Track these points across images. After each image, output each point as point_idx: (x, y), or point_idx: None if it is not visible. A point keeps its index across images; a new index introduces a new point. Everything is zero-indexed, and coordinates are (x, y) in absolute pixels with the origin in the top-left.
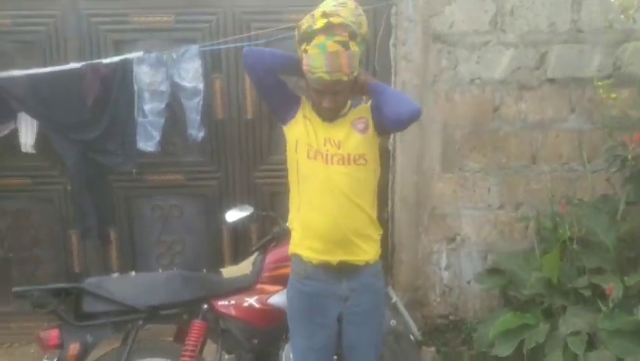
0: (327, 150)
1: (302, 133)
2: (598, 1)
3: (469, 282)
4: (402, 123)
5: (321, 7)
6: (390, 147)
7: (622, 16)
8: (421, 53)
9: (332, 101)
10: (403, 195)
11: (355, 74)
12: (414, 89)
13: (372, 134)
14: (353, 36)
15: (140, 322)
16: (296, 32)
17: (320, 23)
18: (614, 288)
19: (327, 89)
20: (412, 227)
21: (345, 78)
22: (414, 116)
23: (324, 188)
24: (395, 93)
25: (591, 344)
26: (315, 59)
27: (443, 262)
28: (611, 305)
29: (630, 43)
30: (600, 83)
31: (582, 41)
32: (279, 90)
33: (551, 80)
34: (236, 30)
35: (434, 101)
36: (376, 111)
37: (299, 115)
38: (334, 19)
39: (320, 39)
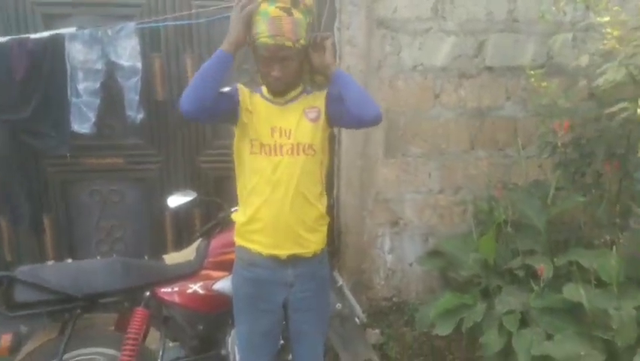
0: (275, 141)
1: (246, 129)
2: None
3: (411, 264)
4: (362, 124)
5: None
6: (336, 132)
7: (553, 8)
8: (365, 38)
9: (280, 69)
10: (348, 179)
11: (302, 42)
12: (359, 74)
13: (323, 124)
14: (295, 3)
15: (78, 311)
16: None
17: None
18: (544, 269)
19: (273, 55)
20: (357, 211)
21: (289, 44)
22: (376, 121)
23: (271, 181)
24: (361, 91)
25: (524, 322)
26: (259, 25)
27: (387, 246)
28: (542, 285)
29: (560, 34)
30: (532, 72)
31: (518, 31)
32: (227, 108)
33: (489, 69)
34: (177, 8)
35: (378, 88)
36: (335, 103)
37: (241, 113)
38: None
39: (263, 7)
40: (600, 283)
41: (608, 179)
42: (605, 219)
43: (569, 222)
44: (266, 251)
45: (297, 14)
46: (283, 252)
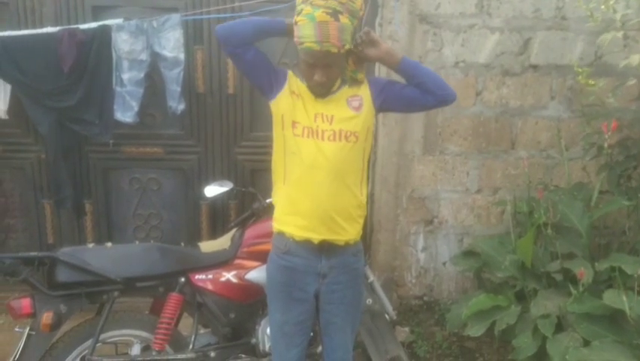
0: (318, 126)
1: (288, 109)
2: None
3: (444, 264)
4: (444, 103)
5: None
6: (373, 126)
7: (603, 7)
8: (407, 33)
9: (323, 74)
10: (383, 176)
11: (347, 47)
12: None
13: (366, 113)
14: (344, 9)
15: (116, 293)
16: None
17: None
18: (584, 273)
19: (318, 61)
20: (391, 208)
21: (335, 50)
22: (455, 99)
23: (312, 165)
24: (435, 73)
25: (560, 326)
26: (304, 28)
27: (420, 244)
28: (581, 290)
29: (610, 33)
30: (580, 70)
31: (566, 29)
32: (260, 64)
33: (534, 67)
34: (220, 1)
35: None
36: (391, 89)
37: (285, 90)
38: None
39: (309, 9)
40: None
41: None
42: None
43: (612, 227)
44: (299, 234)
45: (344, 19)
46: (316, 236)
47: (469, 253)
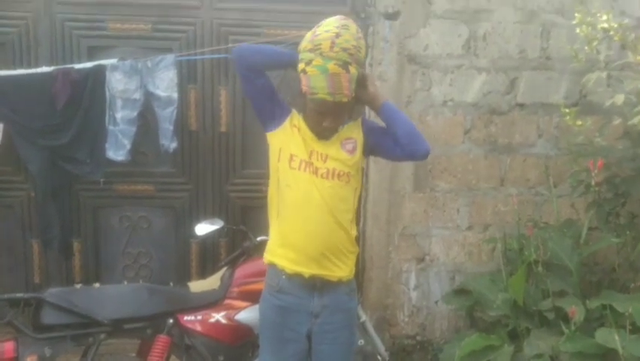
0: (313, 162)
1: (287, 142)
2: (565, 31)
3: (436, 302)
4: (413, 158)
5: (324, 27)
6: (364, 165)
7: (586, 48)
8: (396, 74)
9: (332, 121)
10: (375, 213)
11: (352, 95)
12: None
13: (359, 156)
14: (353, 60)
15: (102, 335)
16: (298, 51)
17: (325, 46)
18: (576, 311)
19: (328, 110)
20: (382, 245)
21: (346, 100)
22: (426, 156)
23: (305, 199)
24: (410, 124)
25: None
26: (317, 80)
27: (412, 282)
28: (573, 328)
29: (594, 73)
30: (567, 111)
31: (550, 68)
32: (268, 93)
33: (521, 105)
34: (214, 41)
35: None
36: (375, 135)
37: (286, 123)
38: (339, 41)
39: (320, 61)
40: (635, 329)
41: None
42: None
43: (602, 264)
44: (290, 267)
45: (353, 69)
46: (307, 270)
47: (460, 292)
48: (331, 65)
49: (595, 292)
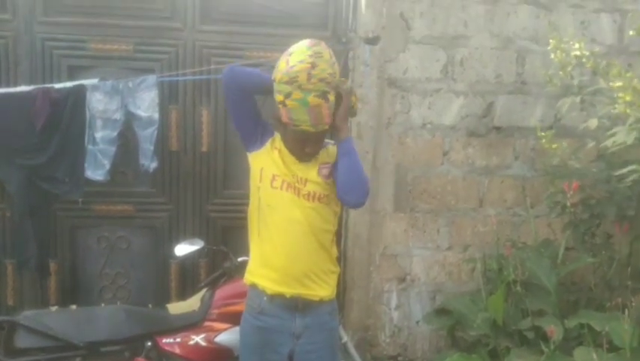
0: (295, 184)
1: (268, 162)
2: (540, 57)
3: (418, 322)
4: (344, 203)
5: (297, 56)
6: None
7: (561, 73)
8: (376, 96)
9: (313, 146)
10: (355, 233)
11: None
12: (369, 130)
13: (334, 181)
14: (330, 87)
15: (78, 359)
16: (273, 80)
17: (302, 78)
18: (555, 330)
19: (310, 138)
20: (363, 265)
21: (326, 127)
22: (356, 207)
23: (287, 219)
24: (357, 175)
25: None
26: (297, 112)
27: (393, 302)
28: (552, 347)
29: (568, 97)
30: (543, 134)
31: (526, 93)
32: (253, 115)
33: (497, 129)
34: (196, 63)
35: (388, 144)
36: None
37: (268, 144)
38: (316, 72)
39: (299, 94)
40: (612, 347)
41: (619, 240)
42: (616, 282)
43: (580, 283)
44: (273, 287)
45: (331, 97)
46: (288, 290)
47: (441, 312)
48: (311, 98)
49: (573, 312)
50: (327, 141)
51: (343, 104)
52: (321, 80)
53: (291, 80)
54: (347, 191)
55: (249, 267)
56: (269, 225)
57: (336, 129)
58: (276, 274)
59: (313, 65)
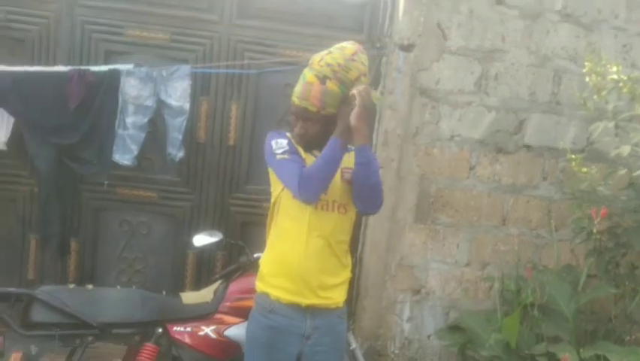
0: None
1: None
2: (577, 78)
3: (429, 337)
4: (357, 208)
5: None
6: None
7: (595, 97)
8: (406, 104)
9: (302, 127)
10: (374, 240)
11: (330, 110)
12: (396, 138)
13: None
14: (334, 76)
15: (90, 338)
16: None
17: (315, 60)
18: (569, 359)
19: (298, 114)
20: (379, 274)
21: (313, 109)
22: (367, 215)
23: (306, 228)
24: (370, 183)
25: None
26: (297, 85)
27: (406, 314)
28: None
29: (602, 122)
30: (574, 157)
31: (559, 113)
32: None
33: (527, 147)
34: (230, 57)
35: (414, 153)
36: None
37: None
38: (327, 58)
39: (307, 70)
40: None
41: None
42: (637, 315)
43: (599, 313)
44: (287, 297)
45: (331, 85)
46: (304, 300)
47: (454, 328)
48: (309, 75)
49: (590, 342)
50: (349, 147)
51: (359, 103)
52: (327, 64)
53: (311, 62)
54: (361, 199)
55: (261, 274)
56: (286, 234)
57: (353, 130)
58: (292, 284)
59: (329, 52)
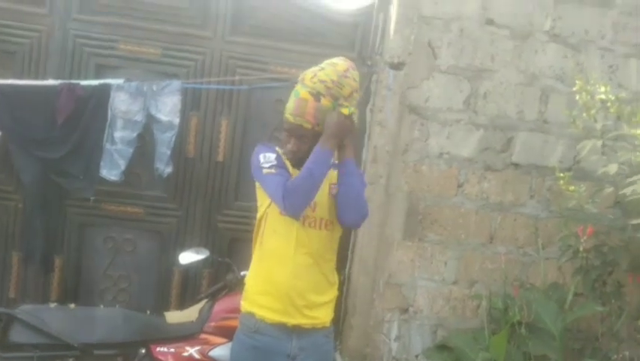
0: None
1: None
2: (565, 97)
3: (417, 356)
4: (340, 221)
5: (322, 64)
6: None
7: (584, 115)
8: (395, 122)
9: (295, 144)
10: (362, 258)
11: (321, 127)
12: (385, 155)
13: None
14: (328, 93)
15: (71, 359)
16: None
17: (308, 76)
18: None
19: (292, 131)
20: (367, 292)
21: (308, 126)
22: (351, 228)
23: (293, 245)
24: (354, 193)
25: None
26: (289, 101)
27: (394, 333)
28: None
29: (589, 140)
30: (561, 175)
31: (547, 132)
32: None
33: (515, 165)
34: (221, 72)
35: (403, 170)
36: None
37: None
38: (320, 74)
39: (299, 87)
40: None
41: (630, 291)
42: (624, 333)
43: (586, 331)
44: (273, 317)
45: (325, 101)
46: (290, 320)
47: (442, 347)
48: (303, 92)
49: (577, 360)
50: (335, 162)
51: (335, 121)
52: (321, 81)
53: (302, 78)
54: (345, 210)
55: (247, 293)
56: (272, 251)
57: (339, 146)
58: (278, 303)
59: (322, 69)
